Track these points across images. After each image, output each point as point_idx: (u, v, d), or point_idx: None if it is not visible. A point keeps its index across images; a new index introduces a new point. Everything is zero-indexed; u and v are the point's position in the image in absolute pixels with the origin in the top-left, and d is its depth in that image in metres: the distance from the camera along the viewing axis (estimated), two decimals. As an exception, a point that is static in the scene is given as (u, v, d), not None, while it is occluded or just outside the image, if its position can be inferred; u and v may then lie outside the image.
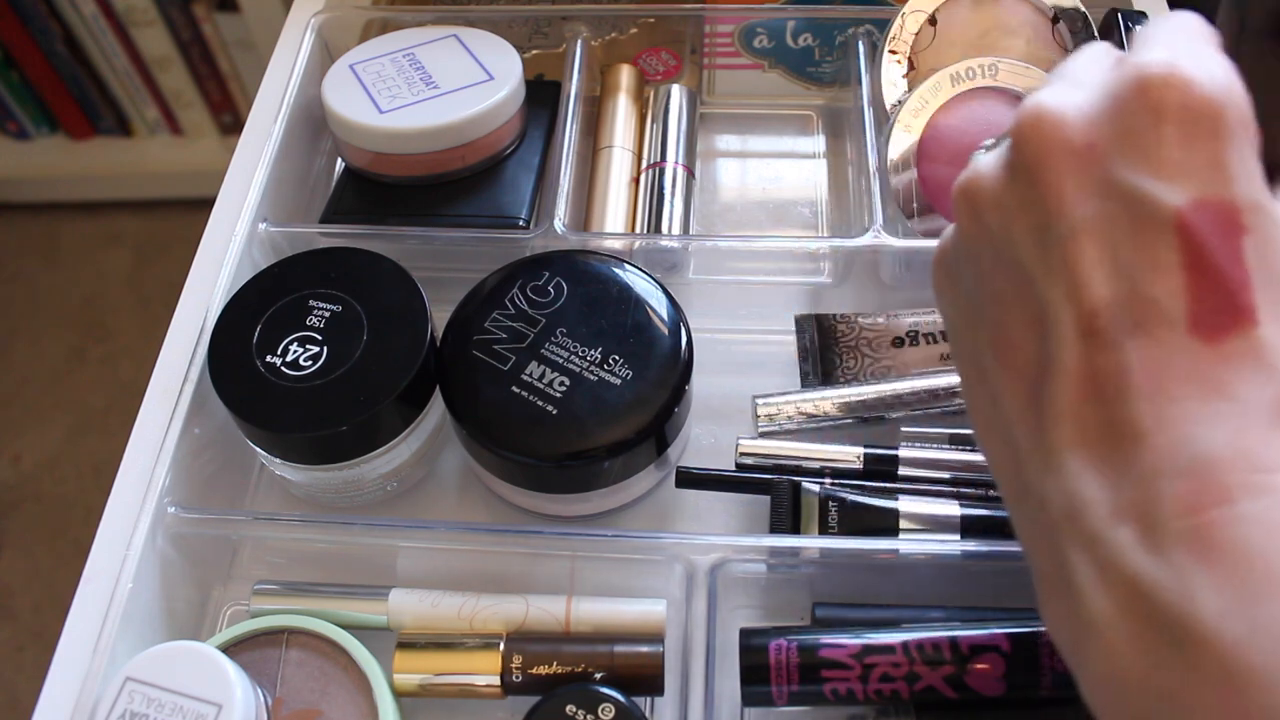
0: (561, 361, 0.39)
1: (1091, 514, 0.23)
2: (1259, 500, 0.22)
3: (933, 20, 0.49)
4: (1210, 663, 0.21)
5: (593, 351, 0.40)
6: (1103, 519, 0.23)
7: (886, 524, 0.39)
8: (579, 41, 0.54)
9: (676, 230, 0.50)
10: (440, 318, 0.42)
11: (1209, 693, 0.21)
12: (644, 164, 0.52)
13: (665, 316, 0.41)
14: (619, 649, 0.37)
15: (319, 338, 0.40)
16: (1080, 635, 0.24)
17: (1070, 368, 0.24)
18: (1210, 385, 0.23)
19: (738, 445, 0.42)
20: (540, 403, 0.38)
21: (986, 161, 0.28)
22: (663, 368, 0.39)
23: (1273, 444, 0.23)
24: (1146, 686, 0.22)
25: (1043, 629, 0.34)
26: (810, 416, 0.43)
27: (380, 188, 0.50)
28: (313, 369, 0.39)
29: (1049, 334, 0.25)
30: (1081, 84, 0.26)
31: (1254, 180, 0.25)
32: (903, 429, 0.42)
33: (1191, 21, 0.27)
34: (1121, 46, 0.46)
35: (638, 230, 0.50)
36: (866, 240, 0.45)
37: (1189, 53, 0.25)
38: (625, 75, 0.55)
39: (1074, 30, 0.49)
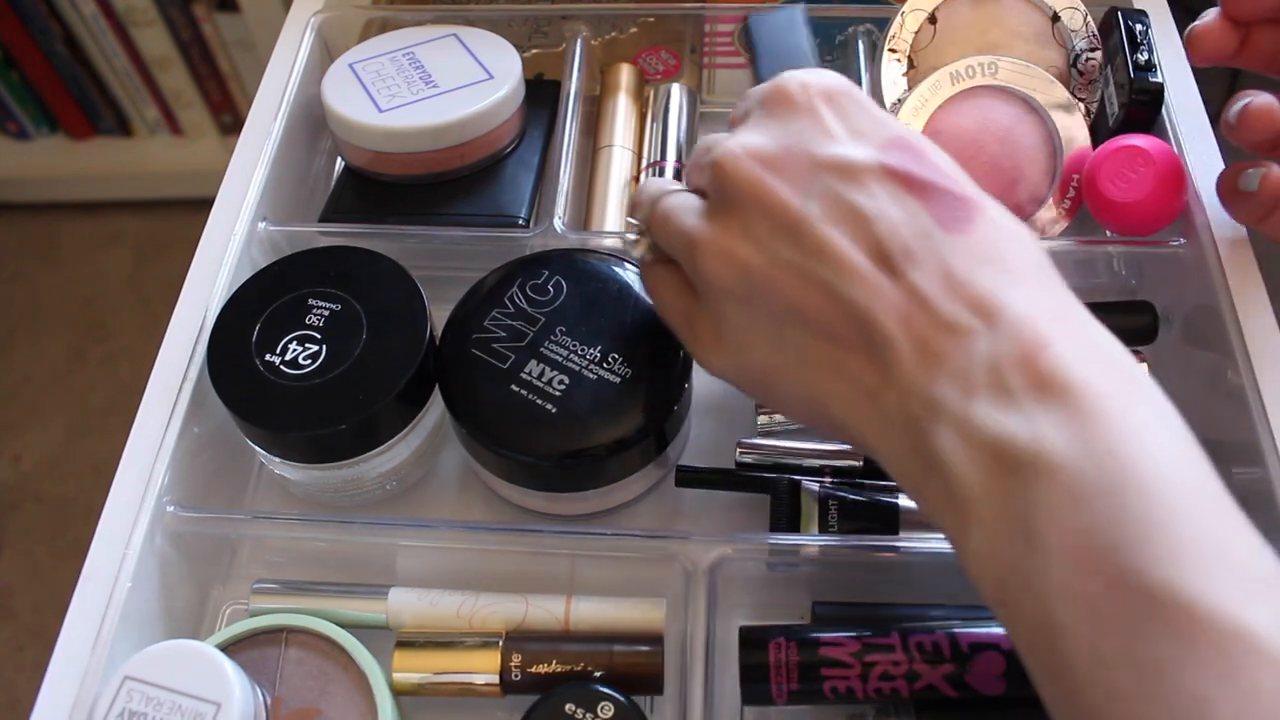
0: (561, 360, 0.39)
1: (948, 404, 0.27)
2: (1068, 340, 0.27)
3: (932, 19, 0.49)
4: (1060, 490, 0.25)
5: (592, 350, 0.40)
6: (958, 402, 0.27)
7: (886, 522, 0.39)
8: (579, 41, 0.54)
9: (676, 229, 0.49)
10: (440, 317, 0.42)
11: (1060, 518, 0.25)
12: (644, 163, 0.52)
13: (665, 315, 0.41)
14: (618, 648, 0.37)
15: (318, 336, 0.40)
16: (956, 515, 0.27)
17: (882, 313, 0.28)
18: (989, 263, 0.28)
19: (738, 444, 0.42)
20: (540, 401, 0.38)
21: (699, 224, 0.33)
22: (662, 366, 0.39)
23: (1057, 296, 0.29)
24: (1015, 535, 0.25)
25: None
26: (810, 415, 0.43)
27: (380, 187, 0.50)
28: (312, 368, 0.39)
29: (845, 300, 0.29)
30: (738, 127, 0.33)
31: (897, 122, 0.32)
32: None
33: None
34: (1121, 47, 0.46)
35: (637, 229, 0.50)
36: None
37: (799, 67, 0.34)
38: (625, 74, 0.55)
39: (1074, 29, 0.49)
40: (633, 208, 0.37)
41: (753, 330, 0.32)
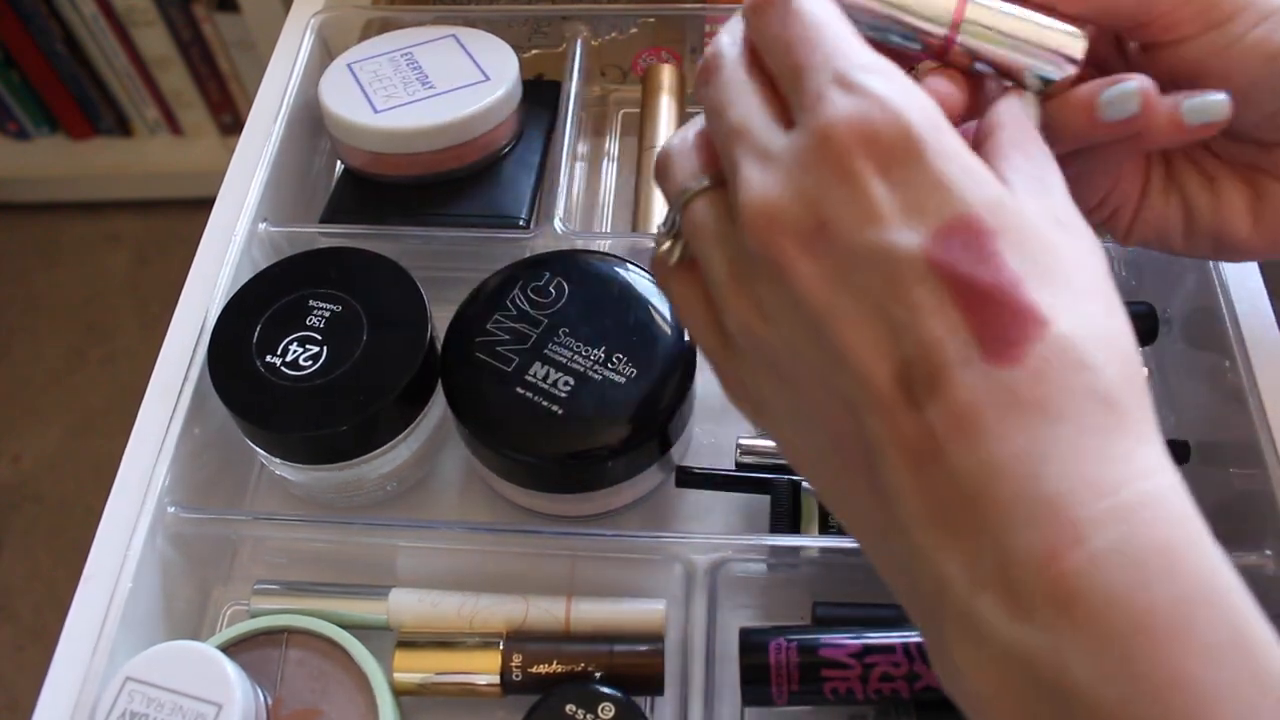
0: (565, 361, 0.39)
1: (955, 588, 0.22)
2: (1109, 531, 0.21)
3: (933, 20, 0.49)
4: None
5: (596, 351, 0.40)
6: (965, 591, 0.22)
7: (886, 523, 0.39)
8: (579, 41, 0.54)
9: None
10: (440, 317, 0.42)
11: None
12: None
13: (667, 315, 0.41)
14: (619, 648, 0.37)
15: (319, 337, 0.40)
16: (971, 708, 0.23)
17: (889, 446, 0.23)
18: (1030, 410, 0.22)
19: (738, 444, 0.42)
20: (545, 403, 0.38)
21: (720, 273, 0.27)
22: (666, 366, 0.39)
23: (1111, 455, 0.22)
24: None
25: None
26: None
27: (380, 188, 0.50)
28: (312, 369, 0.39)
29: (860, 420, 0.24)
30: (772, 158, 0.26)
31: (978, 179, 0.24)
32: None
33: (827, 27, 0.26)
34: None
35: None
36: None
37: (847, 81, 0.25)
38: (667, 74, 0.55)
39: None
40: (666, 192, 0.29)
41: (777, 404, 0.27)
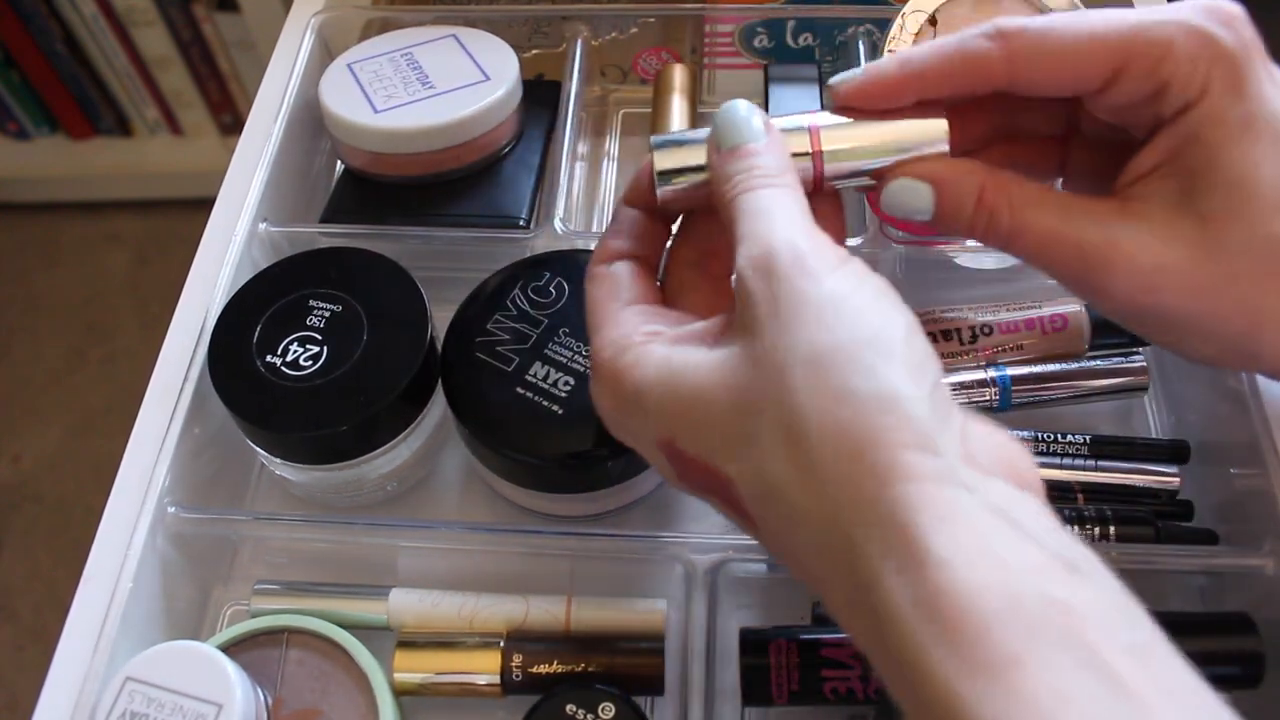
0: (565, 361, 0.39)
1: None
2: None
3: (933, 20, 0.49)
4: None
5: (593, 351, 0.40)
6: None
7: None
8: (579, 41, 0.54)
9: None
10: (441, 317, 0.42)
11: None
12: None
13: (665, 316, 0.41)
14: (619, 648, 0.37)
15: (319, 337, 0.40)
16: None
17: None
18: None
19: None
20: (546, 403, 0.38)
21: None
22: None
23: (835, 568, 0.24)
24: None
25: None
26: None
27: (380, 188, 0.50)
28: (313, 369, 0.39)
29: None
30: None
31: (654, 405, 0.28)
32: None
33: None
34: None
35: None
36: (862, 240, 0.45)
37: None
38: (678, 74, 0.55)
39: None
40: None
41: None
